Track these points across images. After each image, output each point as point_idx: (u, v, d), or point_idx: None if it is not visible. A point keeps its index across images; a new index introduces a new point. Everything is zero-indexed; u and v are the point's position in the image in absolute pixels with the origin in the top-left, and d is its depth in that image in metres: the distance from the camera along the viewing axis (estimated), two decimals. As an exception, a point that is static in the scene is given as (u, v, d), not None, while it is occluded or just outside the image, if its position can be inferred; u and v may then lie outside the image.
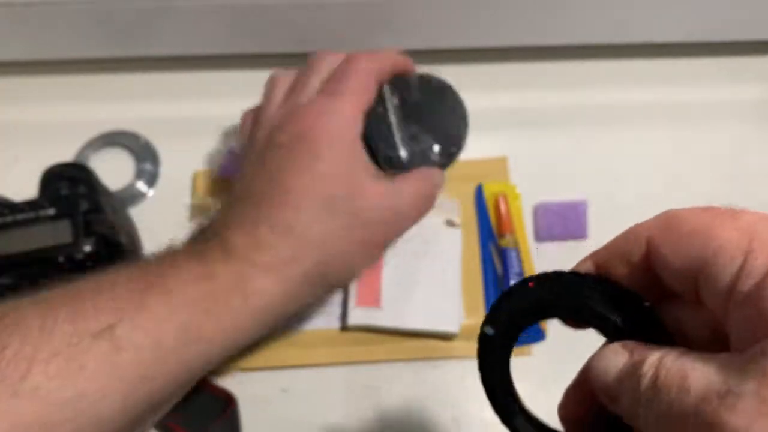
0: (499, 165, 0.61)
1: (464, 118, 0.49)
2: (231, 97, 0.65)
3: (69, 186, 0.52)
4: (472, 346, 0.28)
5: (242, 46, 0.63)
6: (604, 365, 0.26)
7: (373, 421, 0.53)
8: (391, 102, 0.46)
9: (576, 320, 0.28)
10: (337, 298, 0.55)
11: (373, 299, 0.53)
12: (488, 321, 0.28)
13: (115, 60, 0.65)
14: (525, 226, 0.58)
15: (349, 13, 0.59)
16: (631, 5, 0.61)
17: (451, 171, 0.60)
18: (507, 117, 0.64)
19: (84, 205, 0.50)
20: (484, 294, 0.56)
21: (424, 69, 0.51)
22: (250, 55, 0.63)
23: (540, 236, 0.58)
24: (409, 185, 0.45)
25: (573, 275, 0.27)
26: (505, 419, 0.28)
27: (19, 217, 0.49)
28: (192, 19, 0.59)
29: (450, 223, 0.57)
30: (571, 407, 0.29)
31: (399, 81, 0.47)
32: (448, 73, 0.50)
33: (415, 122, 0.47)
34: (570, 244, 0.58)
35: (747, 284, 0.21)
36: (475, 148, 0.63)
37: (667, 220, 0.25)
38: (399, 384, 0.54)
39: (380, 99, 0.46)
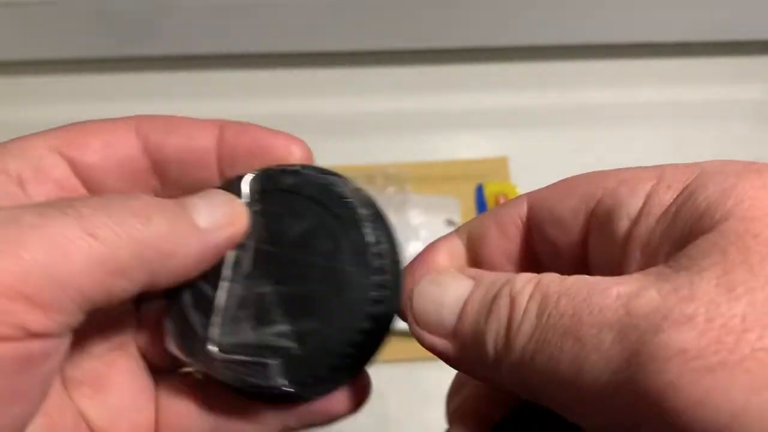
0: (499, 165, 0.61)
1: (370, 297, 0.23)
2: (231, 97, 0.65)
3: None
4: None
5: (242, 46, 0.63)
6: (434, 299, 0.20)
7: (372, 421, 0.52)
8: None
9: None
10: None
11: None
12: None
13: (115, 60, 0.65)
14: (525, 226, 0.58)
15: (348, 13, 0.59)
16: (630, 5, 0.61)
17: (452, 171, 0.61)
18: (507, 117, 0.64)
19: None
20: (483, 294, 0.56)
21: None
22: (250, 55, 0.63)
23: (540, 236, 0.58)
24: None
25: None
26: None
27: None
28: (192, 19, 0.59)
29: (450, 223, 0.57)
30: None
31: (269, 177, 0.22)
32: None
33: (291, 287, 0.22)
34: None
35: (659, 206, 0.18)
36: (475, 148, 0.63)
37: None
38: (397, 384, 0.53)
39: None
